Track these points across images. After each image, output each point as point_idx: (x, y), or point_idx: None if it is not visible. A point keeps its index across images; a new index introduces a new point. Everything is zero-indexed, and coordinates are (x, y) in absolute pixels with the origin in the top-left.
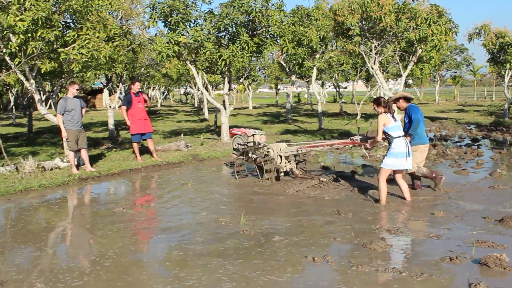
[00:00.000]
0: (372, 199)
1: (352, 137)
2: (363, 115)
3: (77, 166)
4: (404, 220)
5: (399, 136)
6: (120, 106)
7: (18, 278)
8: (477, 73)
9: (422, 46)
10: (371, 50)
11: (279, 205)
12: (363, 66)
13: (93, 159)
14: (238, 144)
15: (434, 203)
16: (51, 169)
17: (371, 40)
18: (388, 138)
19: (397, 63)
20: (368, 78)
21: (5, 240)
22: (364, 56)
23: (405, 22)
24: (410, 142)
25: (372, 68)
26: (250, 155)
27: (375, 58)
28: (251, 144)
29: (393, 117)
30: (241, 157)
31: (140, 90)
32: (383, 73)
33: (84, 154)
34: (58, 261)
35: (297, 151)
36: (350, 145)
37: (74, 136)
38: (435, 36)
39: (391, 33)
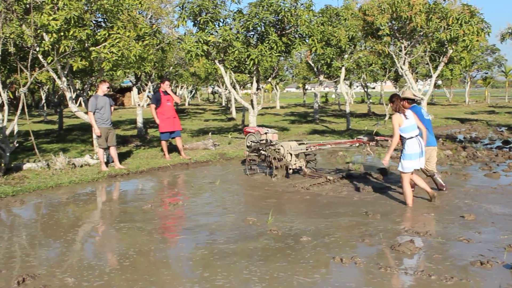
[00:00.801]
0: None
1: (359, 136)
2: (391, 116)
3: (107, 163)
4: (434, 222)
5: (411, 137)
6: (149, 104)
7: (49, 272)
8: (509, 74)
9: (453, 47)
10: (400, 51)
11: (307, 205)
12: (392, 66)
13: (122, 157)
14: (251, 141)
15: (464, 206)
16: (81, 166)
17: (400, 40)
18: (402, 138)
19: (427, 64)
20: (397, 79)
21: (36, 234)
22: (394, 56)
23: (436, 22)
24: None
25: (402, 69)
26: (261, 152)
27: (405, 58)
28: (263, 141)
29: (405, 115)
30: (253, 154)
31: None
32: (412, 74)
33: (113, 152)
34: (85, 257)
35: (306, 149)
36: (357, 144)
37: (104, 134)
38: (467, 36)
39: (422, 33)
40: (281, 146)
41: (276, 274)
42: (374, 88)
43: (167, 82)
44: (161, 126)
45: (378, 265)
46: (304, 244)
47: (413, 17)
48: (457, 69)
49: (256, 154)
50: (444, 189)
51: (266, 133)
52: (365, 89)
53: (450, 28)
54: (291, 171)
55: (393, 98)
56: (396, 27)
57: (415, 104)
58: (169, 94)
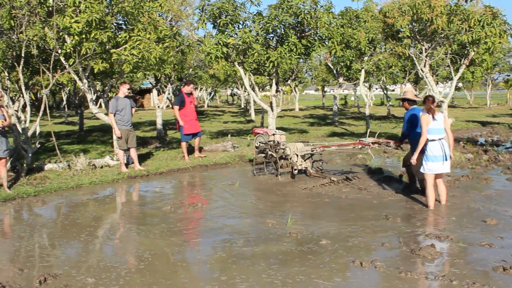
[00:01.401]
0: (421, 204)
1: (361, 139)
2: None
3: (126, 165)
4: (455, 226)
5: (434, 140)
6: (172, 106)
7: (69, 272)
8: None
9: (475, 49)
10: (421, 53)
11: (327, 208)
12: (412, 68)
13: (142, 158)
14: (259, 142)
15: (486, 211)
16: (101, 167)
17: (421, 43)
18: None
19: (448, 66)
20: (417, 81)
21: (56, 234)
22: (414, 58)
23: (457, 24)
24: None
25: (422, 71)
26: (268, 153)
27: (425, 60)
28: (270, 142)
29: (433, 117)
30: (261, 154)
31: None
32: (433, 76)
33: (133, 153)
34: (104, 258)
35: (312, 150)
36: (359, 146)
37: (124, 135)
38: (489, 38)
39: (443, 35)
40: (288, 147)
41: (296, 278)
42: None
43: (192, 85)
44: (185, 128)
45: (398, 269)
46: (324, 247)
47: (434, 19)
48: (479, 72)
49: (264, 155)
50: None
51: (273, 134)
52: (385, 92)
53: (471, 30)
54: (296, 171)
55: (425, 99)
56: (416, 29)
57: (415, 105)
58: (191, 96)
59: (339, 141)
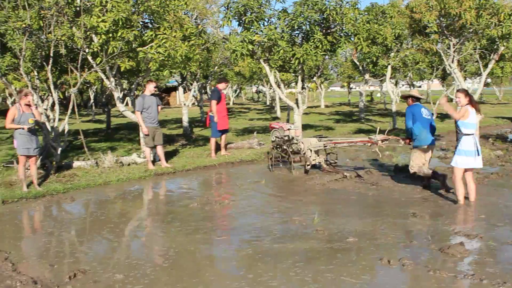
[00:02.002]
0: (450, 200)
1: (370, 136)
2: (438, 115)
3: (153, 162)
4: (484, 224)
5: (468, 134)
6: (193, 104)
7: (98, 268)
8: None
9: (505, 44)
10: (449, 48)
11: (353, 205)
12: (440, 64)
13: (168, 155)
14: (275, 137)
15: None
16: (129, 164)
17: (449, 38)
18: (458, 132)
19: (477, 62)
20: (444, 77)
21: (85, 230)
22: (442, 54)
23: (486, 19)
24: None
25: (450, 67)
26: (282, 147)
27: (453, 56)
28: (286, 138)
29: (476, 111)
30: (276, 149)
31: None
32: (461, 72)
33: (160, 150)
34: (132, 254)
35: (324, 146)
36: (369, 144)
37: (151, 133)
38: None
39: (471, 30)
40: (302, 142)
41: (324, 275)
42: (420, 86)
43: (227, 83)
44: (219, 124)
45: (427, 267)
46: (351, 245)
47: (462, 14)
48: (508, 67)
49: (279, 149)
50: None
51: (289, 129)
52: (412, 88)
53: (501, 25)
54: (309, 166)
55: (468, 95)
56: (444, 24)
57: (418, 102)
58: (224, 93)
59: (365, 138)
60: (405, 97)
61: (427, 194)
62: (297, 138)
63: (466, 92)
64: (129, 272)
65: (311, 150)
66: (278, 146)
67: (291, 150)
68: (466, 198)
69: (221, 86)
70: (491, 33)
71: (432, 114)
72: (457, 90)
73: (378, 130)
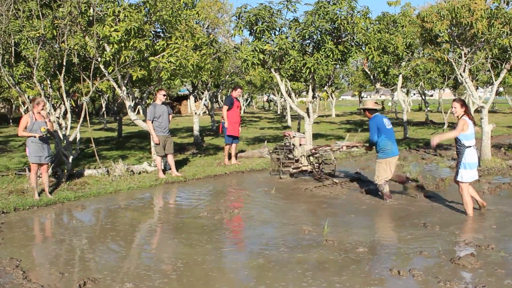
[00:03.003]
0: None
1: (337, 142)
2: (450, 124)
3: (164, 171)
4: (496, 235)
5: (471, 146)
6: (204, 113)
7: (108, 277)
8: None
9: None
10: (460, 57)
11: (364, 215)
12: (451, 73)
13: (179, 164)
14: (277, 145)
15: None
16: (139, 173)
17: (460, 47)
18: (458, 146)
19: (488, 71)
20: (456, 86)
21: (95, 239)
22: (453, 63)
23: (498, 28)
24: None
25: (461, 76)
26: (279, 155)
27: (465, 65)
28: (282, 145)
29: (473, 122)
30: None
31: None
32: (472, 81)
33: (171, 159)
34: (142, 263)
35: (311, 151)
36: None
37: (161, 142)
38: None
39: (483, 39)
40: (296, 149)
41: (335, 286)
42: (432, 95)
43: (239, 90)
44: (228, 129)
45: (437, 278)
46: (361, 255)
47: (474, 23)
48: None
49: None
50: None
51: (294, 137)
52: (423, 97)
53: None
54: (294, 170)
55: (462, 103)
56: (455, 34)
57: (377, 113)
58: (238, 101)
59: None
60: (362, 110)
61: (437, 204)
62: (292, 145)
63: (462, 102)
64: (139, 281)
65: (304, 156)
66: (276, 153)
67: (285, 156)
68: (475, 208)
69: (234, 93)
70: (503, 42)
71: (391, 123)
72: (453, 100)
73: (347, 136)
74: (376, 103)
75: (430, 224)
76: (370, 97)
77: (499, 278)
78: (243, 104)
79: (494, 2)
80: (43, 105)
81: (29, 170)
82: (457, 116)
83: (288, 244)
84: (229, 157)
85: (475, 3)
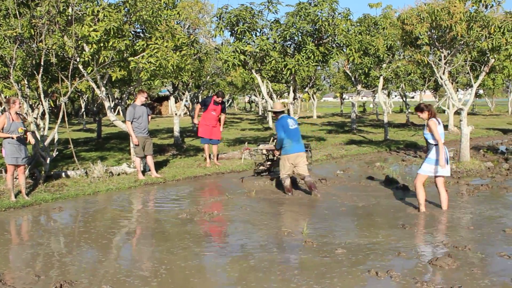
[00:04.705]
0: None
1: (259, 144)
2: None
3: (143, 172)
4: (473, 236)
5: (438, 144)
6: (185, 113)
7: (85, 279)
8: None
9: (495, 56)
10: (440, 60)
11: (343, 216)
12: (431, 76)
13: (159, 166)
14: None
15: (506, 220)
16: (118, 174)
17: (440, 50)
18: (428, 144)
19: (468, 73)
20: (437, 88)
21: (73, 241)
22: (433, 66)
23: (477, 31)
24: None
25: (441, 78)
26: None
27: (445, 68)
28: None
29: (438, 121)
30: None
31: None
32: (452, 83)
33: (150, 160)
34: (120, 266)
35: (266, 151)
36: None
37: (141, 143)
38: (510, 45)
39: (462, 42)
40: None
41: (312, 287)
42: (413, 97)
43: (220, 98)
44: (199, 131)
45: (415, 279)
46: (340, 257)
47: (453, 26)
48: (500, 79)
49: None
50: (316, 190)
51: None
52: (404, 99)
53: (492, 37)
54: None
55: (427, 107)
56: (435, 36)
57: (283, 114)
58: (219, 105)
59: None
60: (274, 113)
61: (415, 206)
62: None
63: (422, 108)
64: (117, 285)
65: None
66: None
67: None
68: (439, 206)
69: (215, 98)
70: (481, 45)
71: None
72: (415, 108)
73: (272, 139)
74: (284, 105)
75: (409, 225)
76: (352, 98)
77: (476, 278)
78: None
79: (473, 6)
80: (20, 105)
81: (5, 172)
82: (426, 120)
83: (267, 246)
84: (210, 157)
85: (455, 6)
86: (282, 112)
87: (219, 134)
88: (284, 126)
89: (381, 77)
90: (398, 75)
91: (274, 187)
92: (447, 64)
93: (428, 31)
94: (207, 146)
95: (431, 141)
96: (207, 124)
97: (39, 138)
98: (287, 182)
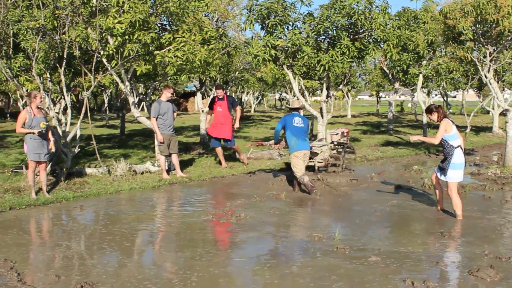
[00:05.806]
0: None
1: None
2: (473, 128)
3: (168, 171)
4: None
5: (459, 146)
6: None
7: (106, 281)
8: None
9: None
10: (485, 57)
11: (377, 222)
12: (475, 74)
13: (184, 165)
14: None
15: None
16: (142, 173)
17: (485, 46)
18: (446, 147)
19: None
20: (481, 87)
21: (94, 241)
22: (477, 63)
23: None
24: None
25: (486, 77)
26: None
27: (490, 65)
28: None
29: (453, 122)
30: None
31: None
32: (498, 82)
33: (175, 159)
34: (142, 267)
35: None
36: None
37: (166, 140)
38: None
39: (510, 38)
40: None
41: None
42: (455, 97)
43: (219, 90)
44: (208, 129)
45: None
46: (373, 264)
47: (500, 20)
48: None
49: None
50: (315, 190)
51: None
52: (445, 98)
53: None
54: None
55: (437, 108)
56: (480, 31)
57: (294, 111)
58: (223, 100)
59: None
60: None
61: (455, 213)
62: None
63: (432, 110)
64: (138, 285)
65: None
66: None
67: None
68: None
69: (217, 92)
70: None
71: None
72: (425, 110)
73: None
74: (300, 104)
75: (448, 232)
76: (389, 97)
77: None
78: (253, 103)
79: None
80: (41, 99)
81: (26, 168)
82: (438, 122)
83: (297, 251)
84: (234, 159)
85: None
86: (297, 109)
87: (229, 133)
88: (287, 121)
89: (421, 75)
90: (439, 72)
91: (303, 189)
92: (493, 62)
93: (472, 26)
94: (220, 150)
95: (451, 143)
96: (215, 122)
97: (60, 134)
98: (305, 180)
